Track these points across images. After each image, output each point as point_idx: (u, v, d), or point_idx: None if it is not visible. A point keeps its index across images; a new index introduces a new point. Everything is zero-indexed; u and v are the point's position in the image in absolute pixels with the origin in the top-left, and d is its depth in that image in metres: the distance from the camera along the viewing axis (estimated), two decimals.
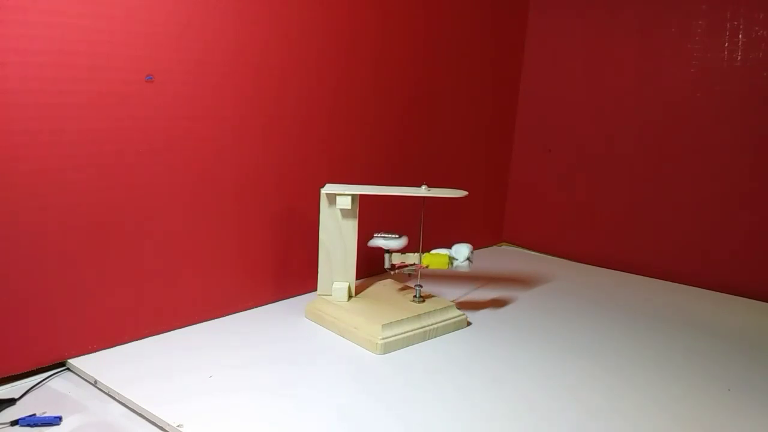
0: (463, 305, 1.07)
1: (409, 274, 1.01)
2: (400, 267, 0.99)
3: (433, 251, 0.98)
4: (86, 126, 0.79)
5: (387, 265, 0.99)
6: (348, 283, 1.00)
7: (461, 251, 0.98)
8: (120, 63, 0.81)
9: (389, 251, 0.98)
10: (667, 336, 1.00)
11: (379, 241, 0.98)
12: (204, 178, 0.93)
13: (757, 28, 1.18)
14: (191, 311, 0.94)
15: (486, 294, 1.16)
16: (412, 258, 0.99)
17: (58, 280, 0.79)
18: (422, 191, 0.97)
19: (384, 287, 1.08)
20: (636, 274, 1.35)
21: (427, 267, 0.98)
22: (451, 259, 0.98)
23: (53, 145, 0.76)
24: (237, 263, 0.99)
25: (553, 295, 1.19)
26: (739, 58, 1.20)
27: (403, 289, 1.07)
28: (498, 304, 1.11)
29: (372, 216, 1.07)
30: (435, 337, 0.95)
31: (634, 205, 1.35)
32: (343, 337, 0.94)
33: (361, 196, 0.98)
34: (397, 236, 0.98)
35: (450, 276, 1.24)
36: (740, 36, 1.20)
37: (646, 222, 1.34)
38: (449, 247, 0.99)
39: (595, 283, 1.28)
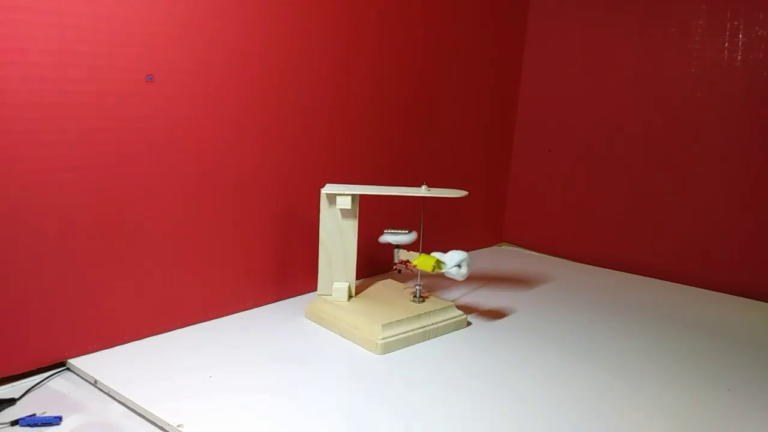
0: (463, 305, 1.07)
1: (399, 271, 1.00)
2: (405, 264, 0.99)
3: (433, 253, 0.98)
4: (86, 126, 0.79)
5: (396, 259, 0.99)
6: (348, 283, 1.00)
7: (452, 257, 0.97)
8: (120, 63, 0.81)
9: (398, 247, 0.98)
10: (667, 336, 1.00)
11: (388, 237, 0.98)
12: (204, 177, 0.93)
13: (757, 28, 1.18)
14: (191, 311, 0.94)
15: (486, 294, 1.16)
16: (411, 256, 0.99)
17: (58, 280, 0.79)
18: (422, 191, 0.97)
19: (384, 287, 1.08)
20: (636, 274, 1.35)
21: (414, 267, 0.98)
22: (439, 263, 0.97)
23: (53, 145, 0.76)
24: (237, 263, 0.99)
25: (553, 295, 1.19)
26: (739, 58, 1.20)
27: (403, 289, 1.07)
28: (498, 304, 1.11)
29: (372, 216, 1.07)
30: (435, 337, 0.95)
31: (634, 205, 1.35)
32: (343, 337, 0.94)
33: (361, 196, 0.98)
34: (406, 231, 0.98)
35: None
36: (740, 36, 1.20)
37: (646, 222, 1.34)
38: (448, 245, 0.99)
39: (595, 283, 1.28)
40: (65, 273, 0.80)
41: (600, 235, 1.41)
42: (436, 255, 0.97)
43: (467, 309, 1.05)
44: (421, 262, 0.97)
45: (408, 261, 0.98)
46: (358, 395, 0.77)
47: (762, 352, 0.96)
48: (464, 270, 0.97)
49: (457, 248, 0.99)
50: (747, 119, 1.20)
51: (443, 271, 0.97)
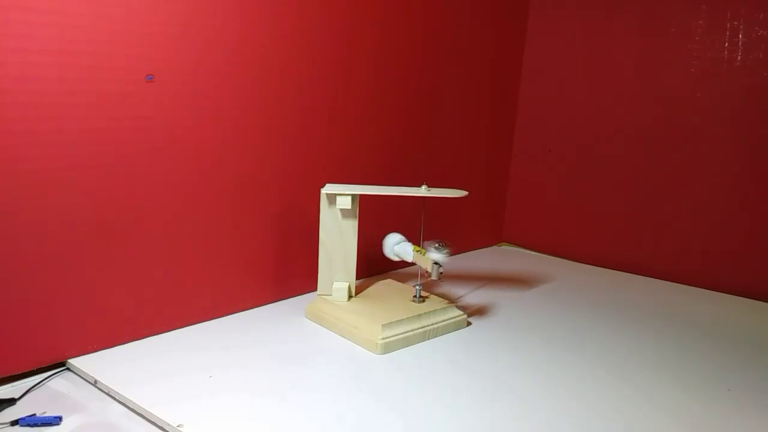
0: (463, 305, 1.07)
1: (441, 274, 0.99)
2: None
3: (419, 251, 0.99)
4: (86, 126, 0.79)
5: (436, 275, 0.96)
6: (348, 283, 1.00)
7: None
8: (120, 63, 0.81)
9: (438, 263, 0.97)
10: (667, 336, 1.00)
11: (436, 255, 0.96)
12: (204, 177, 0.93)
13: (757, 28, 1.18)
14: (191, 311, 0.94)
15: (486, 294, 1.16)
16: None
17: (58, 280, 0.79)
18: (422, 191, 0.97)
19: (384, 287, 1.08)
20: (636, 274, 1.34)
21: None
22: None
23: (53, 145, 0.76)
24: (237, 263, 0.99)
25: (553, 295, 1.19)
26: (739, 58, 1.20)
27: (403, 289, 1.07)
28: (498, 304, 1.11)
29: (372, 216, 1.07)
30: (435, 337, 0.95)
31: (634, 205, 1.35)
32: (343, 337, 0.94)
33: (361, 196, 0.98)
34: (445, 245, 0.98)
35: (450, 276, 1.24)
36: (740, 36, 1.20)
37: (646, 222, 1.34)
38: (447, 246, 0.99)
39: (595, 283, 1.28)
40: (65, 273, 0.80)
41: (600, 235, 1.41)
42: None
43: (467, 309, 1.05)
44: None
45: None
46: (358, 395, 0.77)
47: (762, 352, 0.96)
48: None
49: (456, 248, 0.99)
50: (747, 119, 1.20)
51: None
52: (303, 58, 1.02)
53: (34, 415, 0.69)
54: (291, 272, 1.08)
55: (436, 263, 0.96)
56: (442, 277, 0.97)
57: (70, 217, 0.79)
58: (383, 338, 0.89)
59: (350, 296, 1.01)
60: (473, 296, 1.15)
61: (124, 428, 0.69)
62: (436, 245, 0.96)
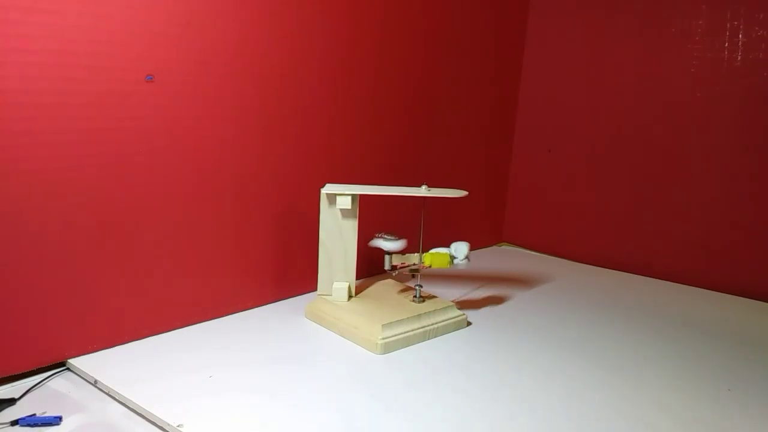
0: (463, 305, 1.07)
1: (413, 275, 1.01)
2: (401, 267, 0.99)
3: (433, 250, 0.99)
4: (86, 126, 0.79)
5: (387, 266, 0.99)
6: (348, 283, 1.00)
7: (460, 249, 0.99)
8: (120, 63, 0.81)
9: (389, 253, 0.98)
10: (667, 336, 1.00)
11: (380, 242, 0.98)
12: (204, 178, 0.93)
13: (757, 28, 1.18)
14: (191, 311, 0.94)
15: (486, 294, 1.16)
16: (413, 258, 0.99)
17: (58, 280, 0.79)
18: (422, 191, 0.97)
19: (384, 287, 1.08)
20: (636, 274, 1.35)
21: (429, 267, 0.98)
22: (451, 257, 0.99)
23: (53, 145, 0.76)
24: (237, 263, 0.99)
25: (553, 295, 1.19)
26: (739, 58, 1.20)
27: (403, 289, 1.07)
28: (498, 304, 1.11)
29: (372, 216, 1.07)
30: (435, 337, 0.95)
31: (635, 205, 1.35)
32: (343, 337, 0.94)
33: (361, 196, 0.98)
34: (395, 238, 0.98)
35: (450, 276, 1.24)
36: (740, 36, 1.20)
37: (647, 222, 1.34)
38: (447, 245, 1.00)
39: (595, 283, 1.28)
40: (65, 273, 0.80)
41: (600, 235, 1.41)
42: (441, 250, 0.99)
43: (467, 309, 1.05)
44: (435, 260, 0.98)
45: (405, 264, 0.99)
46: (358, 395, 0.77)
47: (762, 352, 0.96)
48: (469, 260, 1.01)
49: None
50: (747, 119, 1.20)
51: (454, 264, 1.00)
52: (303, 58, 1.02)
53: (34, 415, 0.69)
54: (291, 272, 1.08)
55: (387, 253, 0.98)
56: (401, 268, 0.99)
57: (70, 217, 0.79)
58: (383, 338, 0.89)
59: (350, 296, 1.01)
60: (473, 296, 1.15)
61: (124, 428, 0.69)
62: (385, 235, 0.97)
